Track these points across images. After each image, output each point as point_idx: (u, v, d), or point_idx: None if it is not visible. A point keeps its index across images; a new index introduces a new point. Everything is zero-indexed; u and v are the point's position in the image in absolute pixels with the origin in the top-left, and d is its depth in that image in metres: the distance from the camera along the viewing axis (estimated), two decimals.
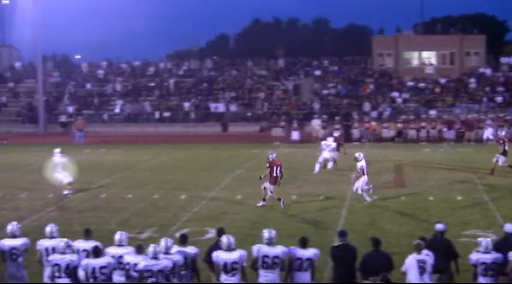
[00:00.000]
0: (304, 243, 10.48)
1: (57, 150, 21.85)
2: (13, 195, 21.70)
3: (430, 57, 55.73)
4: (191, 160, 31.28)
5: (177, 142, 41.27)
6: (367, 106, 48.91)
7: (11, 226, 11.29)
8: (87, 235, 11.09)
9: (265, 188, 18.90)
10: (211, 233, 15.17)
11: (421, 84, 52.26)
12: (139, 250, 10.37)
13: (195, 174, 26.21)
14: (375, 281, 9.51)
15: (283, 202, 18.54)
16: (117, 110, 51.85)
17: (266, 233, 10.48)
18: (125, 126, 49.75)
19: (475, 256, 10.28)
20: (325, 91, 52.41)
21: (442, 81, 52.54)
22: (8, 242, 11.03)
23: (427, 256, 10.19)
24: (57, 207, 19.59)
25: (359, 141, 39.48)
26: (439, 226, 11.26)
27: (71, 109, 51.90)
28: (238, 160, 30.62)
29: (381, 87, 52.44)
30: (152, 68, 58.52)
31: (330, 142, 26.68)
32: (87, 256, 10.56)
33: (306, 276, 10.30)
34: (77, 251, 10.63)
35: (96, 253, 10.32)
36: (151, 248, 9.95)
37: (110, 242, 11.35)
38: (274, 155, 19.24)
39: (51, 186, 21.97)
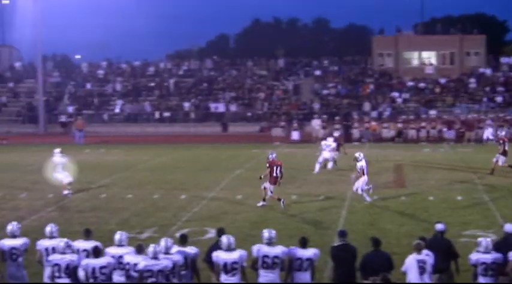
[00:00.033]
0: (304, 243, 10.48)
1: (57, 150, 21.85)
2: (13, 195, 21.70)
3: (430, 57, 55.74)
4: (191, 160, 31.28)
5: (177, 142, 41.27)
6: (367, 106, 48.92)
7: (11, 226, 11.30)
8: (87, 235, 11.09)
9: (265, 188, 18.90)
10: (211, 233, 15.17)
11: (421, 84, 52.27)
12: (139, 250, 10.37)
13: (195, 174, 26.21)
14: (375, 281, 9.51)
15: (283, 202, 18.54)
16: (117, 110, 51.85)
17: (266, 233, 10.48)
18: (125, 126, 49.75)
19: (475, 256, 10.28)
20: (325, 91, 52.42)
21: (442, 81, 52.54)
22: (8, 242, 11.03)
23: (427, 256, 10.19)
24: (57, 207, 19.60)
25: (359, 141, 39.48)
26: (439, 226, 11.26)
27: (71, 109, 51.90)
28: (238, 160, 30.62)
29: (381, 87, 52.44)
30: (152, 68, 58.53)
31: (330, 142, 26.68)
32: (87, 256, 10.56)
33: (306, 276, 10.30)
34: (77, 251, 10.63)
35: (96, 253, 10.32)
36: (151, 248, 9.95)
37: (110, 242, 11.35)
38: (274, 155, 19.24)
39: (51, 186, 21.97)
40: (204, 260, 10.94)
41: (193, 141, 41.85)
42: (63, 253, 10.32)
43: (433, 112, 45.99)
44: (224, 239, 10.32)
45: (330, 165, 26.41)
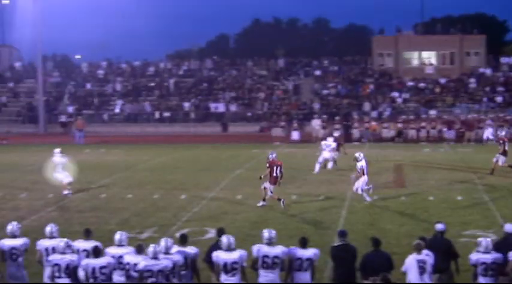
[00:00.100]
0: (304, 243, 10.48)
1: (57, 150, 21.85)
2: (13, 195, 21.70)
3: (430, 57, 55.74)
4: (191, 160, 31.28)
5: (177, 142, 41.27)
6: (367, 106, 48.92)
7: (11, 226, 11.30)
8: (87, 235, 11.09)
9: (265, 188, 18.90)
10: (211, 233, 15.17)
11: (421, 84, 52.27)
12: (139, 250, 10.37)
13: (195, 174, 26.21)
14: (375, 281, 9.51)
15: (283, 202, 18.54)
16: (117, 110, 51.86)
17: (266, 233, 10.48)
18: (125, 126, 49.76)
19: (475, 256, 10.28)
20: (325, 91, 52.42)
21: (442, 81, 52.55)
22: (8, 242, 11.03)
23: (427, 256, 10.19)
24: (57, 207, 19.59)
25: (359, 141, 39.49)
26: (439, 226, 11.26)
27: (71, 109, 51.90)
28: (238, 160, 30.62)
29: (381, 87, 52.45)
30: (152, 68, 58.53)
31: (330, 142, 26.68)
32: (87, 256, 10.56)
33: (306, 276, 10.30)
34: (77, 251, 10.63)
35: (96, 253, 10.32)
36: (151, 248, 9.95)
37: (110, 242, 11.35)
38: (274, 155, 19.24)
39: (51, 186, 21.97)
40: (204, 260, 10.94)
41: (193, 141, 41.85)
42: (63, 253, 10.32)
43: (433, 112, 45.99)
44: (224, 239, 10.32)
45: (330, 165, 26.41)
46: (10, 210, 19.15)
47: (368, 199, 19.45)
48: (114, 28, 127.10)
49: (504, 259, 10.22)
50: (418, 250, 10.19)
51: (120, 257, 10.40)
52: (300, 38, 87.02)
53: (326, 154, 26.24)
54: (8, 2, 58.36)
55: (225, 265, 10.09)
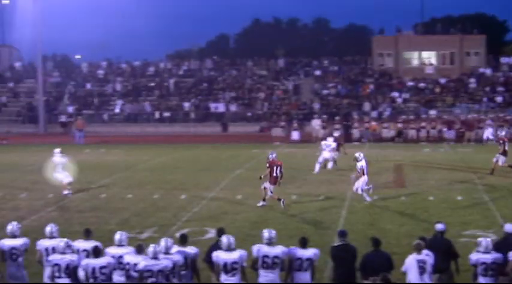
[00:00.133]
0: (304, 243, 10.48)
1: (57, 150, 21.85)
2: (13, 195, 21.70)
3: (430, 57, 55.74)
4: (191, 160, 31.28)
5: (177, 142, 41.27)
6: (367, 106, 48.92)
7: (11, 226, 11.30)
8: (87, 235, 11.09)
9: (265, 188, 18.90)
10: (211, 233, 15.17)
11: (421, 84, 52.27)
12: (139, 250, 10.37)
13: (195, 174, 26.21)
14: (375, 281, 9.51)
15: (283, 202, 18.54)
16: (117, 110, 51.86)
17: (266, 233, 10.48)
18: (125, 126, 49.76)
19: (475, 256, 10.28)
20: (325, 91, 52.42)
21: (442, 81, 52.55)
22: (8, 242, 11.03)
23: (427, 256, 10.19)
24: (57, 207, 19.59)
25: (359, 141, 39.49)
26: (439, 226, 11.26)
27: (71, 109, 51.91)
28: (238, 160, 30.62)
29: (381, 87, 52.45)
30: (152, 68, 58.53)
31: (330, 142, 26.68)
32: (87, 256, 10.56)
33: (306, 276, 10.30)
34: (77, 251, 10.63)
35: (96, 253, 10.32)
36: (151, 248, 9.95)
37: (110, 242, 11.35)
38: (274, 155, 19.24)
39: (51, 186, 21.97)
40: (204, 260, 10.94)
41: (193, 141, 41.85)
42: (63, 253, 10.32)
43: (433, 112, 45.99)
44: (224, 239, 10.32)
45: (330, 165, 26.41)
46: (10, 210, 19.15)
47: (368, 199, 19.45)
48: (114, 28, 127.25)
49: (504, 259, 10.22)
50: (418, 250, 10.19)
51: (120, 257, 10.40)
52: (300, 38, 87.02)
53: (326, 154, 26.24)
54: (8, 2, 58.38)
55: (225, 265, 10.09)
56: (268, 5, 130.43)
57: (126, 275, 10.28)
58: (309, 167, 26.42)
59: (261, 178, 19.28)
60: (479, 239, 10.61)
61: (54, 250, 10.70)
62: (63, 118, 50.75)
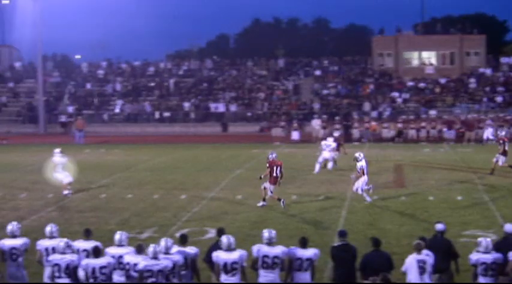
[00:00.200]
0: (304, 243, 10.47)
1: (57, 150, 21.84)
2: (13, 195, 21.70)
3: (430, 57, 55.74)
4: (191, 160, 31.28)
5: (177, 142, 41.27)
6: (367, 106, 48.92)
7: (11, 226, 11.29)
8: (87, 235, 11.09)
9: (265, 188, 18.90)
10: (211, 233, 15.17)
11: (421, 84, 52.28)
12: (139, 250, 10.37)
13: (195, 174, 26.21)
14: (375, 281, 9.51)
15: (283, 202, 18.54)
16: (117, 110, 51.86)
17: (266, 233, 10.48)
18: (125, 126, 49.79)
19: (475, 256, 10.28)
20: (325, 91, 52.43)
21: (442, 81, 52.55)
22: (8, 242, 11.02)
23: (427, 256, 10.18)
24: (57, 207, 19.59)
25: (359, 141, 39.49)
26: (439, 226, 11.26)
27: (71, 109, 51.91)
28: (238, 160, 30.63)
29: (381, 87, 52.45)
30: (152, 68, 58.54)
31: (330, 142, 26.68)
32: (87, 256, 10.56)
33: (306, 276, 10.30)
34: (77, 251, 10.63)
35: (96, 253, 10.32)
36: (151, 248, 9.95)
37: (110, 242, 11.36)
38: (274, 155, 19.24)
39: (51, 186, 21.97)
40: (204, 260, 10.94)
41: (193, 141, 41.86)
42: (63, 253, 10.32)
43: (433, 112, 45.98)
44: (224, 239, 10.32)
45: (330, 165, 26.40)
46: (10, 210, 19.15)
47: (368, 199, 19.45)
48: (114, 28, 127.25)
49: (504, 259, 10.22)
50: (418, 250, 10.19)
51: (120, 257, 10.39)
52: (300, 38, 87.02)
53: (326, 154, 26.23)
54: (8, 2, 58.37)
55: (225, 265, 10.09)
56: (268, 5, 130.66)
57: (126, 275, 10.28)
58: (309, 167, 26.42)
59: (261, 178, 19.29)
60: (479, 239, 10.61)
61: (54, 250, 10.70)
62: (63, 118, 50.76)
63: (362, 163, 19.40)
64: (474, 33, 56.03)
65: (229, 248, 10.20)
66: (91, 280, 10.05)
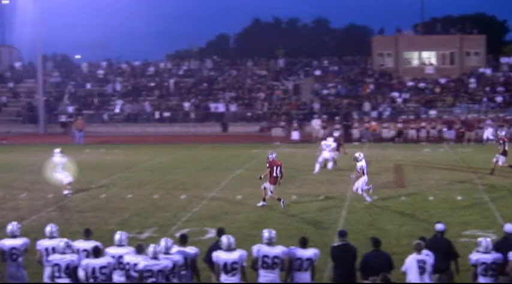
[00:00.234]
0: (304, 243, 10.47)
1: (57, 150, 21.84)
2: (13, 195, 21.70)
3: (430, 57, 55.74)
4: (191, 160, 31.28)
5: (177, 142, 41.27)
6: (367, 106, 48.93)
7: (11, 226, 11.30)
8: (87, 235, 11.09)
9: (265, 188, 18.90)
10: (211, 233, 15.17)
11: (421, 84, 52.28)
12: (139, 250, 10.37)
13: (195, 174, 26.21)
14: (375, 281, 9.51)
15: (283, 202, 18.54)
16: (117, 110, 51.87)
17: (266, 233, 10.48)
18: (125, 126, 49.79)
19: (475, 256, 10.28)
20: (325, 91, 52.43)
21: (442, 81, 52.55)
22: (8, 242, 11.02)
23: (427, 256, 10.18)
24: (57, 207, 19.59)
25: (359, 141, 39.49)
26: (439, 226, 11.26)
27: (71, 109, 51.91)
28: (238, 160, 30.63)
29: (381, 87, 52.45)
30: (152, 68, 58.54)
31: (330, 142, 26.68)
32: (87, 256, 10.56)
33: (306, 276, 10.30)
34: (77, 251, 10.63)
35: (96, 253, 10.32)
36: (151, 248, 9.94)
37: (110, 242, 11.36)
38: (274, 155, 19.24)
39: (51, 186, 21.97)
40: (204, 260, 10.94)
41: (193, 141, 41.86)
42: (63, 253, 10.32)
43: (433, 112, 45.99)
44: (224, 239, 10.32)
45: (330, 165, 26.40)
46: (10, 210, 19.15)
47: (368, 199, 19.45)
48: (114, 28, 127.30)
49: (504, 259, 10.22)
50: (418, 250, 10.19)
51: (120, 257, 10.39)
52: (300, 38, 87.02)
53: (326, 154, 26.23)
54: (8, 2, 58.37)
55: (225, 265, 10.09)
56: (268, 5, 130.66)
57: (126, 275, 10.28)
58: (309, 167, 26.42)
59: (261, 178, 19.29)
60: (479, 239, 10.61)
61: (54, 250, 10.70)
62: (63, 118, 50.76)
63: (362, 163, 19.40)
64: (474, 33, 56.03)
65: (229, 248, 10.20)
66: (91, 280, 10.05)
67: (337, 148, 27.24)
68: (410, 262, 10.13)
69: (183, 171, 27.38)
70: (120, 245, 10.66)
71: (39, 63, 51.16)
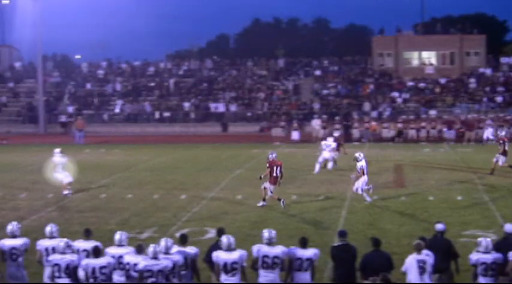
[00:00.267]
0: (304, 243, 10.47)
1: (57, 150, 21.85)
2: (13, 195, 21.70)
3: (430, 57, 55.74)
4: (191, 160, 31.27)
5: (177, 142, 41.27)
6: (367, 106, 48.92)
7: (11, 226, 11.30)
8: (87, 235, 11.09)
9: (265, 188, 18.90)
10: (211, 233, 15.17)
11: (421, 84, 52.28)
12: (139, 250, 10.37)
13: (195, 174, 26.21)
14: (375, 281, 9.51)
15: (283, 202, 18.54)
16: (117, 110, 51.86)
17: (266, 233, 10.48)
18: (125, 126, 49.79)
19: (475, 256, 10.28)
20: (325, 91, 52.43)
21: (442, 81, 52.55)
22: (8, 242, 11.02)
23: (427, 256, 10.18)
24: (57, 207, 19.59)
25: (359, 141, 39.49)
26: (439, 226, 11.26)
27: (71, 109, 51.91)
28: (238, 160, 30.63)
29: (381, 87, 52.45)
30: (152, 68, 58.54)
31: (330, 142, 26.68)
32: (87, 256, 10.56)
33: (306, 276, 10.30)
34: (77, 251, 10.63)
35: (96, 253, 10.32)
36: (151, 248, 9.94)
37: (110, 242, 11.36)
38: (274, 155, 19.24)
39: (51, 186, 21.97)
40: (204, 260, 10.94)
41: (193, 141, 41.86)
42: (63, 253, 10.32)
43: (433, 112, 45.99)
44: (224, 239, 10.32)
45: (330, 165, 26.40)
46: (10, 210, 19.15)
47: (368, 199, 19.45)
48: (114, 28, 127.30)
49: (504, 259, 10.22)
50: (418, 250, 10.19)
51: (120, 257, 10.40)
52: (300, 38, 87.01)
53: (326, 154, 26.23)
54: (8, 2, 58.37)
55: (225, 265, 10.09)
56: (268, 5, 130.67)
57: (126, 275, 10.28)
58: (309, 167, 26.42)
59: (261, 178, 19.29)
60: (479, 239, 10.61)
61: (54, 250, 10.70)
62: (63, 118, 50.76)
63: (362, 163, 19.40)
64: (474, 33, 56.03)
65: (229, 248, 10.20)
66: (91, 280, 10.05)
67: (337, 148, 27.24)
68: (410, 262, 10.14)
69: (183, 171, 27.38)
70: (120, 245, 10.66)
71: (39, 63, 51.16)
